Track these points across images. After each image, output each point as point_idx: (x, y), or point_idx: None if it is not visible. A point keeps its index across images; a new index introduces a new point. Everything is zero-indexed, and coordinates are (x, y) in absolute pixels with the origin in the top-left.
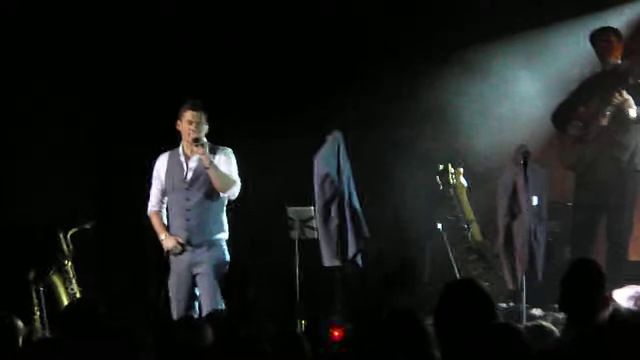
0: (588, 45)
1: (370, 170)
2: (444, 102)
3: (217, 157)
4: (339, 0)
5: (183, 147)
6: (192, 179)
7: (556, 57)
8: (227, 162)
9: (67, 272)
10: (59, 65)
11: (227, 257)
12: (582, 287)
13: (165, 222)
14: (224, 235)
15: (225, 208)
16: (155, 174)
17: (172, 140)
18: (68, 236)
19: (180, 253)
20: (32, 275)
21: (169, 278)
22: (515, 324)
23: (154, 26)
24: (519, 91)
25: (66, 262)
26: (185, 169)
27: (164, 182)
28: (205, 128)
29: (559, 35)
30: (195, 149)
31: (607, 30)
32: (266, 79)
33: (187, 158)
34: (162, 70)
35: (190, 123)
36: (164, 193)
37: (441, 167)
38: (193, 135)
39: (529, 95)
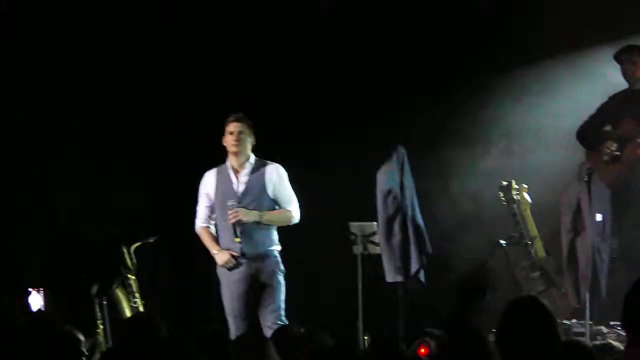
0: None
1: (432, 186)
2: (508, 118)
3: (266, 177)
4: (405, 13)
5: (231, 162)
6: (243, 193)
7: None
8: (280, 188)
9: (130, 285)
10: (119, 84)
11: (282, 268)
12: None
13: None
14: (277, 247)
15: None
16: (202, 190)
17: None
18: (132, 250)
19: (235, 267)
20: (95, 289)
21: (222, 295)
22: (584, 342)
23: (208, 41)
24: (583, 107)
25: (130, 276)
26: (236, 183)
27: (212, 199)
28: (248, 140)
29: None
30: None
31: (632, 49)
32: (331, 93)
33: (237, 172)
34: (223, 86)
35: (231, 134)
36: (212, 209)
37: (504, 183)
38: (233, 221)
39: (588, 111)
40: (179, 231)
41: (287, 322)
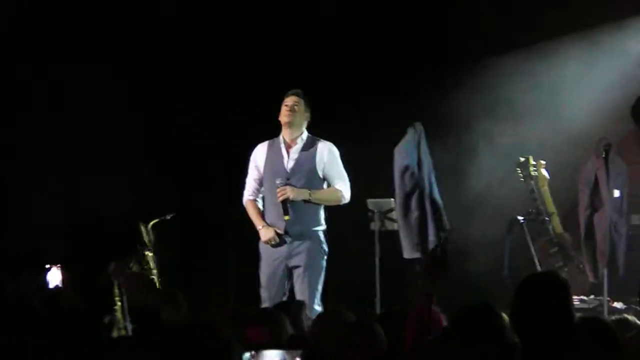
0: None
1: (450, 162)
2: (524, 94)
3: (317, 154)
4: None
5: (283, 137)
6: (293, 168)
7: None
8: (331, 165)
9: (147, 263)
10: (142, 64)
11: (326, 249)
12: None
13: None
14: (322, 228)
15: None
16: (252, 163)
17: (257, 134)
18: (149, 227)
19: (278, 245)
20: (113, 266)
21: (260, 269)
22: (603, 317)
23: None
24: (599, 82)
25: (147, 252)
26: (286, 158)
27: (262, 172)
28: (303, 115)
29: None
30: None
31: None
32: (347, 70)
33: (289, 147)
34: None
35: (286, 106)
36: (260, 182)
37: (522, 159)
38: (281, 199)
39: (608, 87)
40: (196, 207)
41: (319, 306)
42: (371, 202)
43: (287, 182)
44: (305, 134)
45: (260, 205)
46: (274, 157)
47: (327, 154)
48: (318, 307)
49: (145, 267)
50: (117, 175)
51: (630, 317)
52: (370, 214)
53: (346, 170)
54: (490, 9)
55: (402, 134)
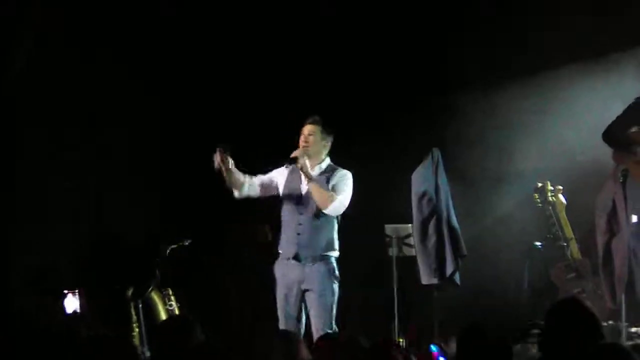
0: None
1: (468, 188)
2: (539, 119)
3: (332, 178)
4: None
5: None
6: (307, 194)
7: None
8: (339, 181)
9: (166, 289)
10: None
11: (337, 274)
12: None
13: (246, 180)
14: (335, 253)
15: (337, 226)
16: (274, 172)
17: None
18: (167, 253)
19: (220, 170)
20: (131, 291)
21: (277, 292)
22: (622, 344)
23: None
24: (617, 105)
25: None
26: (302, 181)
27: (274, 183)
28: (321, 145)
29: None
30: (297, 165)
31: None
32: (363, 96)
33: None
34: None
35: (302, 134)
36: (266, 180)
37: (540, 184)
38: (294, 153)
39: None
40: (212, 233)
41: (335, 329)
42: (389, 228)
43: (301, 205)
44: (325, 163)
45: (246, 176)
46: (292, 181)
47: (339, 177)
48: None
49: (164, 292)
50: (137, 200)
51: None
52: (387, 239)
53: (365, 195)
54: (498, 33)
55: (420, 160)
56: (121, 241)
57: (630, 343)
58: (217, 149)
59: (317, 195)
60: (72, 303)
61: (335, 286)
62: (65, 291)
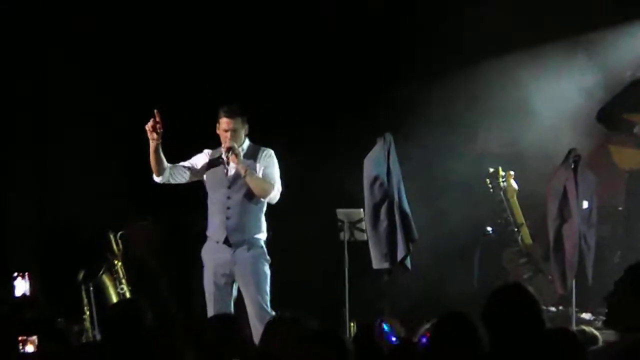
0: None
1: (418, 173)
2: (493, 105)
3: (258, 160)
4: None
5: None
6: (234, 177)
7: (607, 58)
8: (267, 166)
9: (117, 272)
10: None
11: (267, 257)
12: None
13: (168, 166)
14: (263, 236)
15: (265, 209)
16: (193, 158)
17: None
18: (118, 236)
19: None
20: (82, 275)
21: (204, 278)
22: (571, 329)
23: (197, 25)
24: (569, 93)
25: (116, 262)
26: (227, 167)
27: (195, 168)
28: (242, 133)
29: (611, 37)
30: (230, 157)
31: None
32: (317, 80)
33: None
34: (208, 71)
35: (225, 131)
36: (186, 168)
37: (492, 170)
38: (228, 144)
39: (577, 98)
40: (163, 217)
41: (271, 312)
42: (341, 212)
43: (229, 189)
44: (246, 144)
45: (166, 164)
46: (215, 167)
47: (266, 158)
48: (273, 312)
49: (115, 276)
50: (87, 183)
51: (588, 329)
52: (339, 224)
53: (317, 180)
54: (459, 20)
55: (372, 144)
56: (72, 224)
57: (578, 328)
58: (155, 110)
59: (258, 187)
60: (21, 286)
61: (267, 269)
62: (15, 274)
